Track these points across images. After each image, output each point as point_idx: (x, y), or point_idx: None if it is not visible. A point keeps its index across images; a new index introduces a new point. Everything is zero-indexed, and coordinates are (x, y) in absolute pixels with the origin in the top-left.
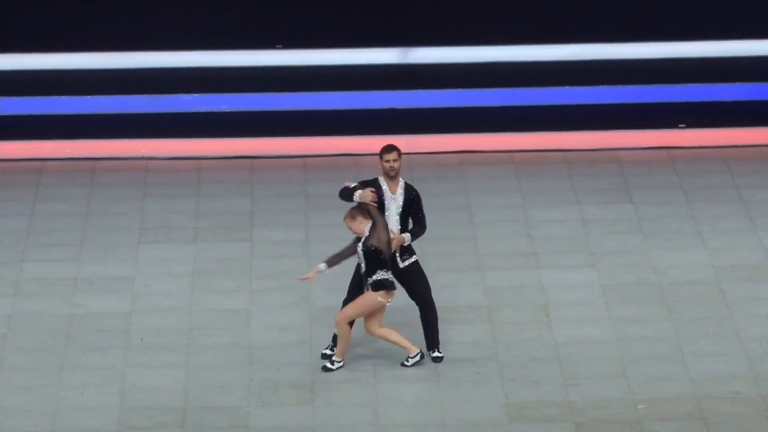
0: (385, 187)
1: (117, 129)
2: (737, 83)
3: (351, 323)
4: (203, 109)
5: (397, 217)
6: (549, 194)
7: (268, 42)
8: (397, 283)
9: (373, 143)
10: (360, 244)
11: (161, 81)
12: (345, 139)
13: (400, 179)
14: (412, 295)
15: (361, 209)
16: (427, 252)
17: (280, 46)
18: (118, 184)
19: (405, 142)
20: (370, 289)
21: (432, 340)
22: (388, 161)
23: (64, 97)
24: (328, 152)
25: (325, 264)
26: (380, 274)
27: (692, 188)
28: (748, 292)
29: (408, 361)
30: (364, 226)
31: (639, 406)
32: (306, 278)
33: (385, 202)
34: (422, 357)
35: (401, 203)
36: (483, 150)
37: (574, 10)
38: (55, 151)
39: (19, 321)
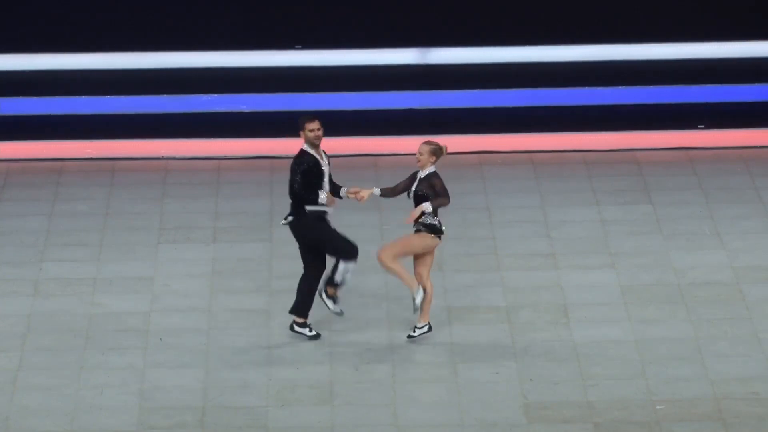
0: (318, 157)
1: (136, 129)
2: (756, 84)
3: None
4: (222, 109)
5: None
6: (568, 195)
7: (288, 42)
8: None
9: (392, 144)
10: (415, 185)
11: (181, 81)
12: (364, 139)
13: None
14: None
15: (439, 151)
16: (445, 252)
17: (300, 47)
18: (137, 184)
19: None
20: (422, 230)
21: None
22: (312, 130)
23: (83, 97)
24: (347, 152)
25: (379, 190)
26: (426, 218)
27: (711, 189)
28: (767, 292)
29: (414, 332)
30: (429, 164)
31: (658, 407)
32: (359, 197)
33: (324, 170)
34: (430, 329)
35: (329, 166)
36: (502, 150)
37: (594, 10)
38: (75, 151)
39: (39, 321)
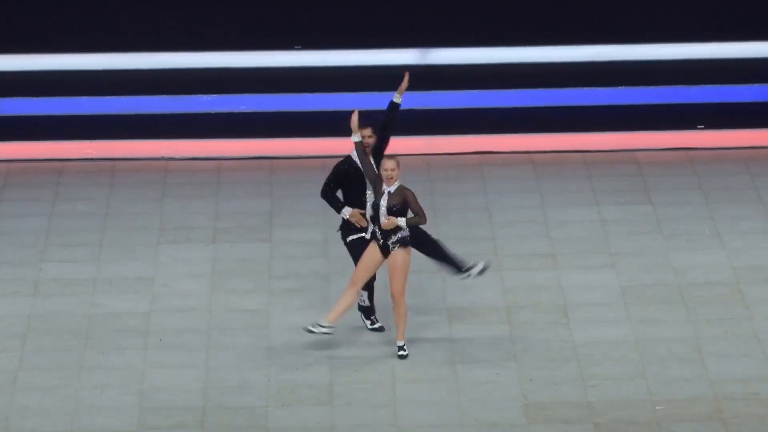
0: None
1: (136, 129)
2: (756, 84)
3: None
4: (222, 109)
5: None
6: (568, 195)
7: (287, 43)
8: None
9: (391, 144)
10: (385, 200)
11: (180, 81)
12: None
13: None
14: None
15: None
16: None
17: (299, 47)
18: (137, 184)
19: (423, 142)
20: (394, 248)
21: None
22: (363, 137)
23: (83, 97)
24: (347, 153)
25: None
26: (402, 233)
27: (711, 189)
28: (767, 293)
29: (404, 350)
30: (396, 179)
31: (657, 407)
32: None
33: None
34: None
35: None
36: (502, 151)
37: (593, 11)
38: (75, 152)
39: (39, 321)
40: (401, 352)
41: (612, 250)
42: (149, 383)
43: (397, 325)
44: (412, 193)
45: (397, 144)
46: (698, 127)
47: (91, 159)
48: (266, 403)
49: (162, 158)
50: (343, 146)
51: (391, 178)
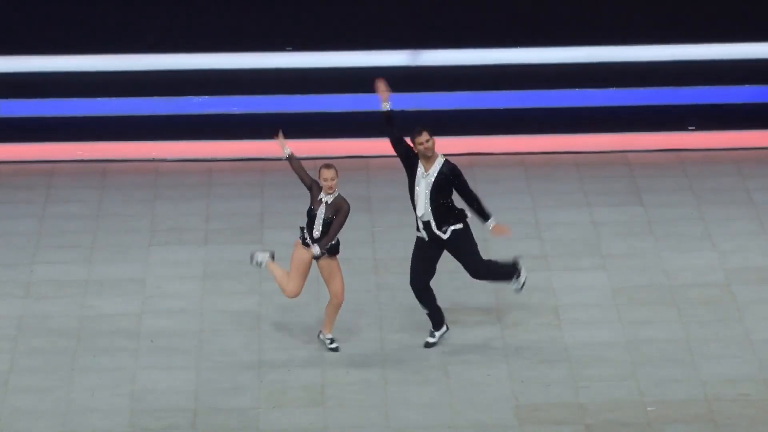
0: (419, 167)
1: (127, 131)
2: (747, 85)
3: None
4: (213, 111)
5: (427, 194)
6: (559, 196)
7: (278, 44)
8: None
9: (383, 146)
10: (323, 210)
11: (172, 83)
12: (355, 141)
13: (439, 156)
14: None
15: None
16: None
17: (290, 48)
18: (128, 186)
19: None
20: (326, 254)
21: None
22: (421, 143)
23: (74, 99)
24: (338, 154)
25: (290, 152)
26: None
27: (702, 190)
28: (758, 294)
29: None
30: (335, 189)
31: (649, 408)
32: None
33: (415, 181)
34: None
35: (432, 181)
36: (493, 152)
37: (584, 12)
38: (66, 154)
39: (30, 323)
40: (332, 345)
41: (603, 251)
42: (141, 385)
43: (328, 314)
44: (347, 209)
45: (390, 145)
46: (689, 128)
47: (82, 161)
48: (258, 405)
49: (153, 160)
50: (333, 147)
51: (330, 187)
